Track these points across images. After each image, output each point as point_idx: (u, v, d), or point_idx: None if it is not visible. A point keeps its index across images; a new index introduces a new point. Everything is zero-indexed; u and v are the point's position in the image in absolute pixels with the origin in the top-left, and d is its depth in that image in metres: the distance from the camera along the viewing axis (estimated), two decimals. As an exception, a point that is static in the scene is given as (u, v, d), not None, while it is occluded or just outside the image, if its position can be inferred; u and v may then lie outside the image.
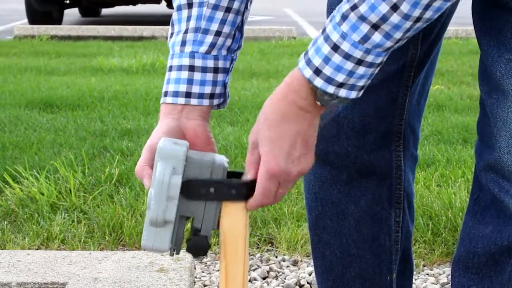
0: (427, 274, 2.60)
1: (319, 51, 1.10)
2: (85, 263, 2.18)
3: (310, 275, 2.55)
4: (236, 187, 1.20)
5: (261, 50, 8.39)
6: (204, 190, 1.19)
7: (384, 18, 1.06)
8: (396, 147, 1.47)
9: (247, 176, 1.20)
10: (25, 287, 2.04)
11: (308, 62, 1.11)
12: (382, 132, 1.45)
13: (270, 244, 2.81)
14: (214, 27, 1.29)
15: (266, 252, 2.76)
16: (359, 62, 1.09)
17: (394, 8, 1.05)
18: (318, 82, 1.10)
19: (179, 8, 1.31)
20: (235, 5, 1.30)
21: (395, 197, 1.50)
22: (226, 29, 1.30)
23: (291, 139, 1.16)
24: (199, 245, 1.20)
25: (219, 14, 1.29)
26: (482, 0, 1.23)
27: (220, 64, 1.30)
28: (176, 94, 1.28)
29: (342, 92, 1.11)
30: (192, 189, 1.18)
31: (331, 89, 1.11)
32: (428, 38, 1.41)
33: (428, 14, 1.06)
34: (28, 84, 5.94)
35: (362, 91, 1.14)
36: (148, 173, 1.23)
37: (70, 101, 5.16)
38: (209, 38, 1.29)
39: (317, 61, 1.11)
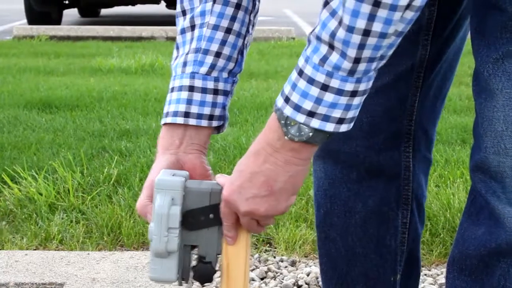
0: (425, 275, 2.60)
1: (289, 80, 1.08)
2: (83, 264, 2.17)
3: (308, 275, 2.55)
4: None
5: (260, 50, 8.39)
6: (203, 217, 1.19)
7: (332, 35, 1.02)
8: (405, 148, 1.47)
9: (220, 179, 1.20)
10: (23, 287, 2.04)
11: (282, 92, 1.09)
12: (392, 133, 1.45)
13: (268, 245, 2.81)
14: (214, 47, 1.29)
15: (265, 252, 2.75)
16: (324, 87, 1.03)
17: (340, 22, 1.01)
18: (288, 110, 1.06)
19: (183, 31, 1.31)
20: (235, 26, 1.29)
21: (403, 198, 1.49)
22: (226, 50, 1.29)
23: (249, 175, 1.13)
24: (204, 272, 1.21)
25: (219, 35, 1.29)
26: (475, 0, 1.23)
27: (221, 86, 1.30)
28: (175, 114, 1.28)
29: (315, 123, 1.05)
30: (192, 219, 1.19)
31: (301, 117, 1.05)
32: (438, 38, 1.40)
33: (379, 27, 1.00)
34: (27, 84, 5.94)
35: (344, 125, 1.07)
36: (151, 208, 1.23)
37: (69, 102, 5.16)
38: (209, 59, 1.29)
39: (287, 89, 1.07)
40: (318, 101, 1.04)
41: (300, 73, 1.05)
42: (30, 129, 4.36)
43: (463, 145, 4.01)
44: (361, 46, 1.01)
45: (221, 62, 1.29)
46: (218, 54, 1.29)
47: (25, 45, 9.00)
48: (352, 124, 1.08)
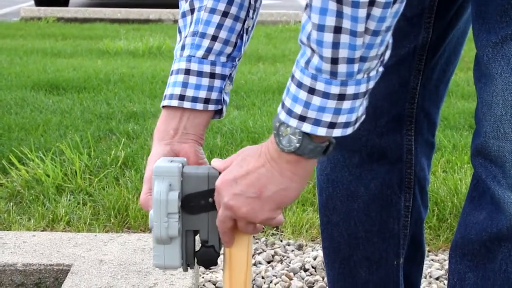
0: (432, 260, 2.60)
1: (286, 86, 1.07)
2: (91, 245, 2.18)
3: (314, 259, 2.55)
4: None
5: (267, 34, 8.37)
6: (203, 202, 1.19)
7: (309, 37, 1.00)
8: (407, 132, 1.47)
9: (215, 163, 1.19)
10: (30, 268, 2.05)
11: (282, 99, 1.08)
12: (394, 116, 1.45)
13: (275, 228, 2.82)
14: (211, 31, 1.28)
15: (271, 236, 2.76)
16: (311, 91, 1.02)
17: (312, 23, 0.99)
18: (283, 115, 1.05)
19: (184, 15, 1.31)
20: (233, 10, 1.28)
21: (406, 182, 1.49)
22: (223, 34, 1.28)
23: (245, 172, 1.12)
24: (207, 256, 1.21)
25: (216, 18, 1.28)
26: None
27: (218, 70, 1.29)
28: (171, 96, 1.28)
29: (306, 127, 1.03)
30: (192, 203, 1.19)
31: (293, 122, 1.04)
32: (441, 21, 1.39)
33: (348, 24, 0.96)
34: (34, 66, 5.94)
35: (337, 130, 1.04)
36: None
37: (76, 83, 5.16)
38: (206, 43, 1.28)
39: (283, 95, 1.07)
40: (307, 104, 1.03)
41: (292, 77, 1.05)
42: (38, 111, 4.36)
43: (470, 130, 4.00)
44: (335, 45, 0.98)
45: (217, 45, 1.29)
46: (214, 38, 1.28)
47: (32, 27, 9.00)
48: (349, 129, 1.06)
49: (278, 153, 1.08)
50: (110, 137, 3.81)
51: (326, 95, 1.02)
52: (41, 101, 4.61)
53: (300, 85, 1.03)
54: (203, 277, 2.42)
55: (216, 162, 1.19)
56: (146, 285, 1.92)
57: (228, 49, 1.30)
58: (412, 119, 1.46)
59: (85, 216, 2.79)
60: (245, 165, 1.12)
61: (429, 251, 2.66)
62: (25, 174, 3.13)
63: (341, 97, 1.02)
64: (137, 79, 5.39)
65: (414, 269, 1.62)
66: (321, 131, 1.04)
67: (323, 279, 2.43)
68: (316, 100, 1.02)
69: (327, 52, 0.99)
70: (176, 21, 9.82)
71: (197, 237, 1.22)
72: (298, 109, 1.03)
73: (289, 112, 1.04)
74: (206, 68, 1.28)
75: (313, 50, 1.00)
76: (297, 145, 1.05)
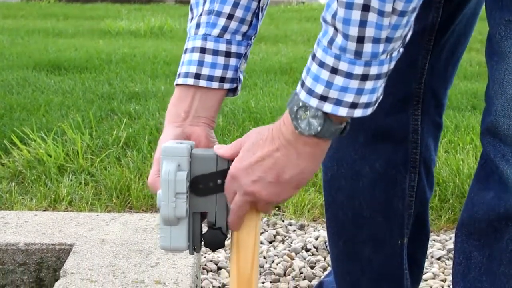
0: (434, 240, 2.60)
1: (306, 65, 1.06)
2: (93, 225, 2.18)
3: (316, 239, 2.56)
4: None
5: (270, 14, 8.35)
6: (212, 183, 1.18)
7: (334, 15, 0.99)
8: (414, 111, 1.46)
9: (219, 150, 1.18)
10: (32, 247, 2.05)
11: (301, 78, 1.07)
12: (400, 96, 1.44)
13: (277, 208, 2.82)
14: (227, 9, 1.28)
15: (273, 216, 2.76)
16: (334, 70, 1.01)
17: (338, 1, 0.98)
18: (303, 95, 1.04)
19: None
20: None
21: (411, 162, 1.49)
22: (239, 13, 1.28)
23: (260, 158, 1.11)
24: (215, 238, 1.20)
25: None
26: None
27: (233, 49, 1.29)
28: (186, 75, 1.28)
29: (327, 107, 1.02)
30: (200, 185, 1.18)
31: (314, 102, 1.03)
32: (451, 2, 1.39)
33: (375, 3, 0.96)
34: (35, 46, 5.93)
35: (358, 110, 1.04)
36: None
37: (78, 64, 5.15)
38: (222, 21, 1.28)
39: (303, 74, 1.06)
40: (329, 84, 1.02)
41: (313, 56, 1.04)
42: (39, 91, 4.36)
43: (473, 111, 4.00)
44: (362, 23, 0.98)
45: (233, 24, 1.28)
46: (230, 17, 1.28)
47: (34, 7, 8.98)
48: (369, 110, 1.05)
49: (295, 136, 1.08)
50: (111, 117, 3.81)
51: (349, 75, 1.01)
52: (42, 81, 4.60)
53: (322, 64, 1.02)
54: (205, 257, 2.42)
55: (220, 150, 1.19)
56: (148, 265, 1.92)
57: (244, 28, 1.29)
58: (419, 99, 1.45)
59: (87, 196, 2.79)
60: (258, 150, 1.12)
61: (430, 232, 2.66)
62: (27, 154, 3.13)
63: (364, 77, 1.02)
64: (138, 59, 5.38)
65: (418, 249, 1.62)
66: (342, 111, 1.03)
67: (324, 259, 2.43)
68: (339, 80, 1.01)
69: (354, 31, 0.98)
70: (177, 2, 9.79)
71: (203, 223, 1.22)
72: (320, 89, 1.03)
73: (310, 92, 1.03)
74: (222, 47, 1.28)
75: (336, 29, 0.99)
76: (318, 128, 1.05)
